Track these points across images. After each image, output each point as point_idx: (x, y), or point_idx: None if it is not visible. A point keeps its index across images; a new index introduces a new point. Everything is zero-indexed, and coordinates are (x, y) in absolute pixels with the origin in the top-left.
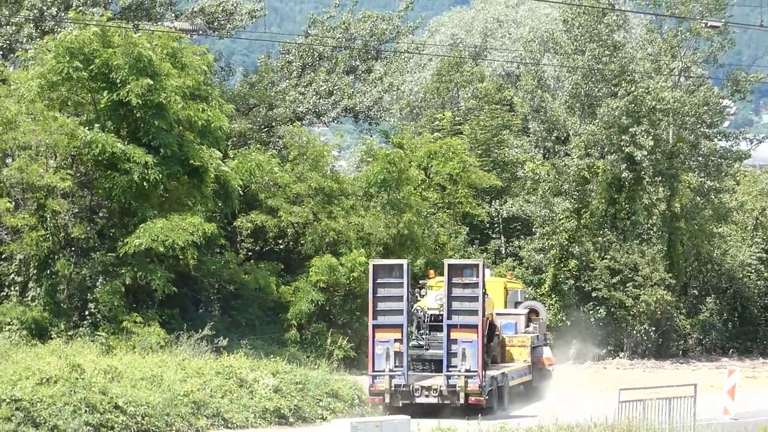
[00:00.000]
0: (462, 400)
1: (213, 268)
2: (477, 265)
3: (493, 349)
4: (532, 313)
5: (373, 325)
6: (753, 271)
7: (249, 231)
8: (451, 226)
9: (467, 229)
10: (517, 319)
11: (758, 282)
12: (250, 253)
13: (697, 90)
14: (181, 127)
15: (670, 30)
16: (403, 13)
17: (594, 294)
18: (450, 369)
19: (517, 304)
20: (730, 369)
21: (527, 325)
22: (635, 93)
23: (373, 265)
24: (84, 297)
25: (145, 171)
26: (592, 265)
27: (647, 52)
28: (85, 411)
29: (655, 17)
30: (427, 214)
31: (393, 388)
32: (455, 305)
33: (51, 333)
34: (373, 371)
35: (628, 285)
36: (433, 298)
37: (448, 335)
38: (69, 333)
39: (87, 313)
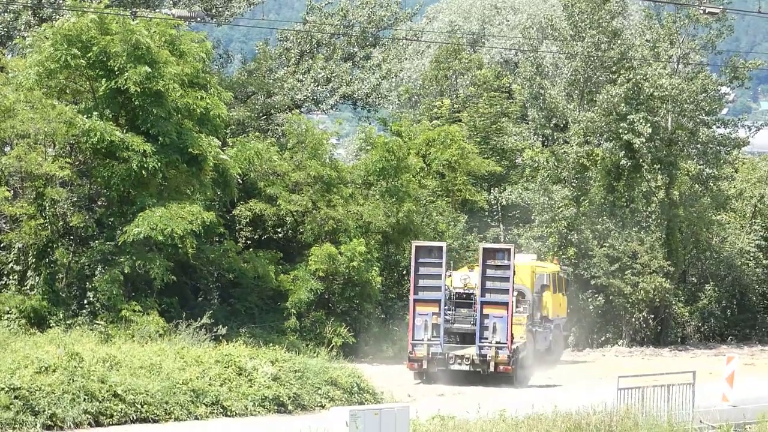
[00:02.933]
0: (492, 369)
1: (212, 256)
2: (509, 249)
3: None
4: (519, 295)
5: (414, 299)
6: (752, 258)
7: (248, 219)
8: (450, 214)
9: (466, 216)
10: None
11: (757, 269)
12: (249, 242)
13: (696, 77)
14: (179, 115)
15: (668, 16)
16: None
17: (593, 282)
18: (482, 341)
19: (543, 287)
20: (728, 356)
21: (517, 306)
22: (634, 80)
23: (416, 246)
24: (83, 286)
25: (144, 159)
26: (590, 252)
27: (646, 38)
28: (84, 399)
29: (653, 3)
30: (425, 201)
31: (430, 356)
32: (489, 284)
33: (50, 322)
34: (413, 340)
35: (626, 272)
36: (459, 278)
37: (482, 311)
38: (68, 322)
39: (86, 301)
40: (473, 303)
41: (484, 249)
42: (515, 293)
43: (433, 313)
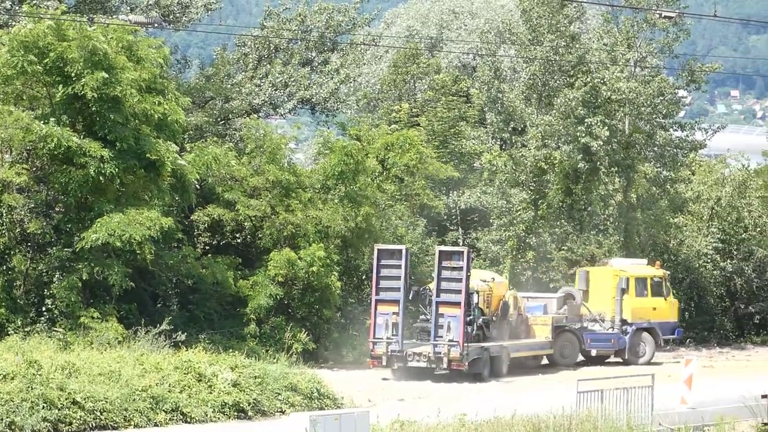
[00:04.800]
0: (446, 365)
1: (170, 262)
2: (463, 252)
3: (508, 325)
4: (569, 297)
5: (376, 299)
6: (709, 260)
7: (206, 225)
8: (409, 218)
9: (425, 221)
10: (547, 301)
11: (714, 272)
12: (207, 247)
13: (653, 80)
14: (137, 121)
15: (626, 20)
16: (359, 4)
17: (552, 285)
18: (437, 339)
19: (622, 291)
20: (687, 359)
21: (560, 307)
22: (591, 83)
23: (378, 249)
24: (41, 293)
25: (101, 165)
26: (549, 256)
27: (603, 42)
28: (43, 407)
29: (611, 8)
30: (384, 206)
31: (389, 353)
32: (443, 285)
33: (8, 329)
34: (374, 338)
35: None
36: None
37: (437, 310)
38: (26, 329)
39: (44, 308)
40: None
41: (440, 251)
42: (561, 294)
43: (393, 313)
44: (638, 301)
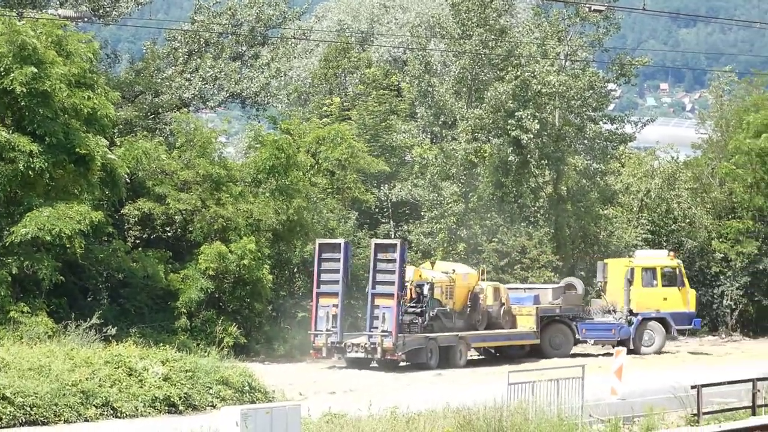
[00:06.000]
0: (380, 355)
1: (101, 256)
2: (396, 245)
3: (483, 315)
4: (570, 287)
5: (317, 292)
6: None
7: (137, 219)
8: (341, 212)
9: (356, 214)
10: (539, 292)
11: None
12: (138, 241)
13: (583, 74)
14: (66, 115)
15: (556, 14)
16: None
17: (482, 277)
18: (372, 329)
19: (627, 282)
20: (616, 349)
21: (556, 298)
22: (521, 77)
23: (319, 243)
24: None
25: (31, 160)
26: (480, 248)
27: (534, 36)
28: None
29: (541, 1)
30: (316, 199)
31: (329, 344)
32: (379, 277)
33: None
34: (315, 330)
35: (515, 267)
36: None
37: (373, 302)
38: None
39: None
40: (404, 295)
41: (376, 244)
42: (560, 285)
43: (333, 305)
44: (645, 291)
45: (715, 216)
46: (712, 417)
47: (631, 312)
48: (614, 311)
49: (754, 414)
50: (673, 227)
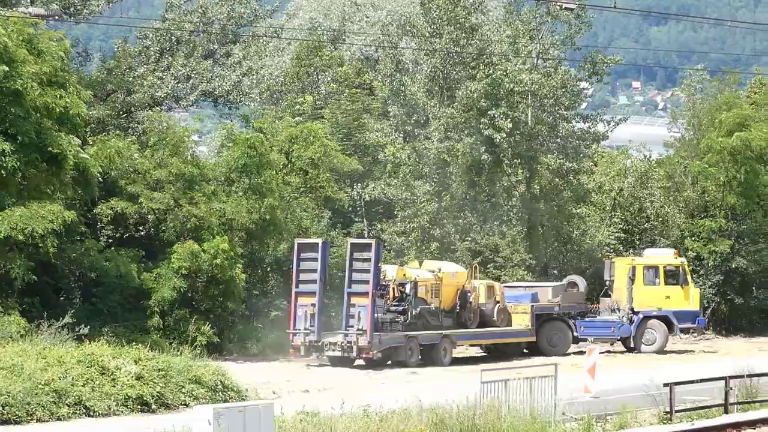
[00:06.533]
0: (356, 353)
1: (73, 255)
2: (370, 244)
3: (475, 313)
4: (572, 285)
5: (296, 292)
6: (612, 250)
7: (109, 218)
8: (314, 211)
9: (330, 213)
10: (539, 290)
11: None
12: (110, 240)
13: (555, 72)
14: (38, 114)
15: (528, 12)
16: None
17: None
18: (348, 328)
19: (629, 280)
20: (589, 348)
21: (557, 296)
22: (493, 75)
23: (298, 243)
24: None
25: (3, 159)
26: (453, 247)
27: (506, 34)
28: None
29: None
30: (289, 198)
31: (307, 343)
32: (355, 276)
33: None
34: (293, 329)
35: (488, 266)
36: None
37: (349, 300)
38: None
39: None
40: (385, 294)
41: (352, 243)
42: (562, 283)
43: (312, 304)
44: (647, 290)
45: (688, 215)
46: (685, 415)
47: (633, 310)
48: (618, 309)
49: (726, 412)
50: (645, 226)
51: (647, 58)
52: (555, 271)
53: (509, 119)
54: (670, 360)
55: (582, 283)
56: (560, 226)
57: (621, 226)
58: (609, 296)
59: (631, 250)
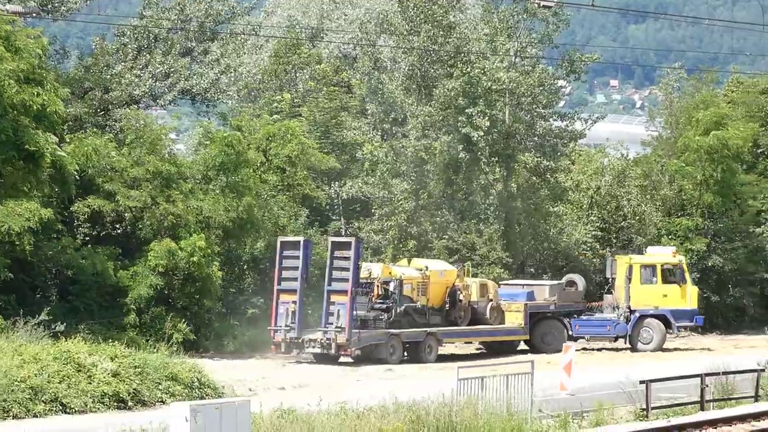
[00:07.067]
0: (335, 351)
1: (50, 253)
2: (350, 242)
3: (466, 311)
4: (570, 284)
5: (278, 289)
6: (589, 248)
7: (86, 216)
8: (291, 209)
9: (307, 211)
10: (535, 288)
11: (594, 259)
12: (87, 238)
13: (533, 70)
14: (15, 112)
15: (506, 10)
16: None
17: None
18: (327, 325)
19: (626, 279)
20: (565, 345)
21: (553, 294)
22: (471, 74)
23: (281, 241)
24: None
25: None
26: (430, 245)
27: (484, 32)
28: None
29: None
30: (267, 196)
31: (288, 340)
32: (335, 274)
33: None
34: (274, 326)
35: (465, 264)
36: (365, 268)
37: (329, 298)
38: None
39: None
40: (371, 291)
41: (332, 242)
42: (559, 282)
43: (293, 302)
44: (643, 288)
45: (665, 213)
46: (661, 412)
47: (630, 309)
48: (617, 308)
49: (702, 409)
50: (622, 224)
51: (625, 56)
52: (531, 269)
53: (487, 117)
54: (644, 358)
55: (581, 281)
56: (537, 224)
57: (598, 224)
58: (611, 294)
59: (607, 248)
